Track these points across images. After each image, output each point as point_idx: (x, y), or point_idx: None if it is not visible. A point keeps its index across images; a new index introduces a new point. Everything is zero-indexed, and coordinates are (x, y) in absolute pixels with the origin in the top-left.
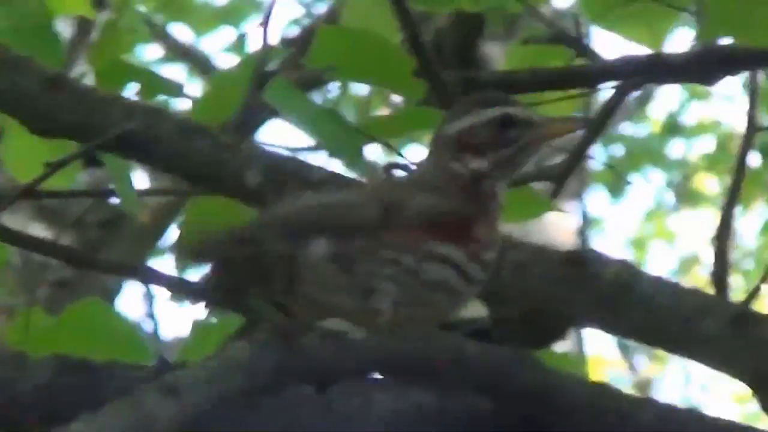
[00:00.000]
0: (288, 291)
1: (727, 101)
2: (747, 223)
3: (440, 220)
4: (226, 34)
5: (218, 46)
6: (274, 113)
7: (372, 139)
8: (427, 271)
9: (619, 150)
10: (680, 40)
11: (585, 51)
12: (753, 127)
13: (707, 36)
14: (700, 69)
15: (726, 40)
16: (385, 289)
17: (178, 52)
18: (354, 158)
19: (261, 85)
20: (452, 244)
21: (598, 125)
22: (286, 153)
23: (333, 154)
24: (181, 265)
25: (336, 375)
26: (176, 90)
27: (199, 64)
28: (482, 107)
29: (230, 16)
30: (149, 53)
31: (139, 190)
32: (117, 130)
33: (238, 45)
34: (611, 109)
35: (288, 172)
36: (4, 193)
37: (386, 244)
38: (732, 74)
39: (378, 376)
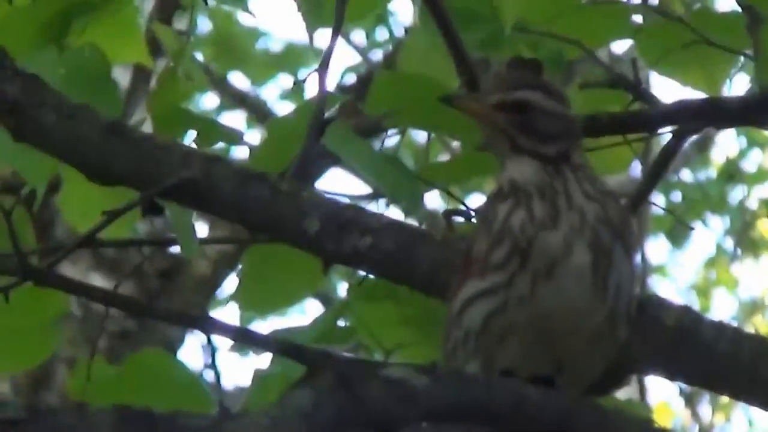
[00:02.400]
0: None
1: None
2: None
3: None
4: (283, 81)
5: (275, 94)
6: (333, 162)
7: (432, 185)
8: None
9: (678, 197)
10: (738, 84)
11: (642, 96)
12: None
13: (764, 79)
14: (757, 113)
15: None
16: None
17: (235, 100)
18: (413, 205)
19: (319, 132)
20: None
21: (657, 170)
22: (344, 201)
23: (393, 200)
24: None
25: (398, 423)
26: (235, 137)
27: (256, 112)
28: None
29: (287, 63)
30: (207, 102)
31: (200, 239)
32: (175, 179)
33: (296, 92)
34: (669, 153)
35: (347, 220)
36: (64, 243)
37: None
38: None
39: (440, 423)
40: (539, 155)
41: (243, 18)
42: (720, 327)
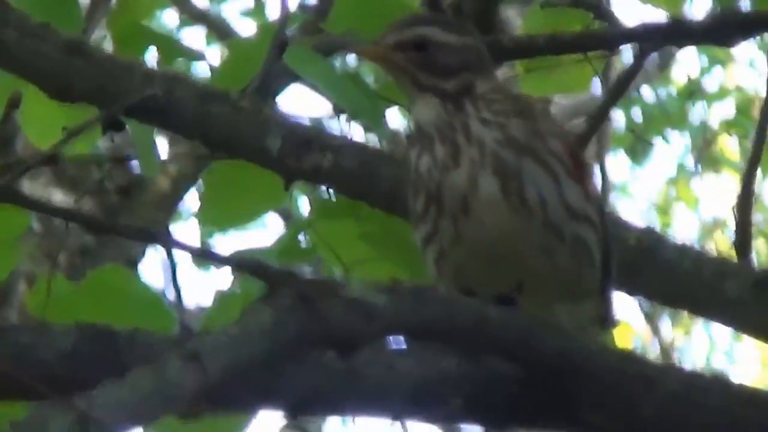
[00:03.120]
0: None
1: (748, 67)
2: None
3: None
4: None
5: (236, 11)
6: (294, 79)
7: (392, 102)
8: None
9: (639, 115)
10: (699, 4)
11: (603, 14)
12: None
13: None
14: (719, 32)
15: (744, 3)
16: None
17: (195, 17)
18: (375, 122)
19: (280, 51)
20: None
21: (619, 88)
22: (306, 119)
23: (354, 118)
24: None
25: (359, 340)
26: (195, 55)
27: (216, 29)
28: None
29: None
30: (167, 19)
31: (158, 154)
32: (137, 96)
33: (257, 10)
34: (631, 72)
35: (309, 138)
36: (24, 159)
37: None
38: (750, 37)
39: (401, 340)
40: (441, 91)
41: None
42: (682, 248)
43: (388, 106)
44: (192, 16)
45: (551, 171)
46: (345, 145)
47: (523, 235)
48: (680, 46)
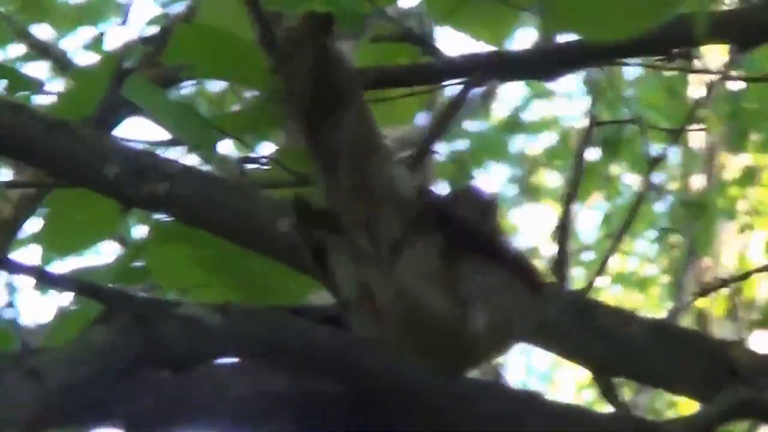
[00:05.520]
0: None
1: (568, 99)
2: (587, 217)
3: None
4: (85, 33)
5: (78, 45)
6: (134, 111)
7: (225, 134)
8: None
9: (462, 147)
10: (524, 39)
11: (430, 49)
12: (593, 122)
13: (550, 30)
14: (541, 66)
15: (567, 38)
16: None
17: (39, 50)
18: (208, 151)
19: (120, 82)
20: None
21: (443, 121)
22: (143, 147)
23: (189, 148)
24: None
25: (193, 360)
26: (37, 87)
27: (59, 62)
28: None
29: (89, 15)
30: (11, 52)
31: (4, 182)
32: None
33: (97, 44)
34: (455, 104)
35: (145, 165)
36: None
37: None
38: (571, 71)
39: (235, 360)
40: None
41: None
42: None
43: (221, 138)
44: (36, 49)
45: None
46: (181, 172)
47: None
48: (503, 79)
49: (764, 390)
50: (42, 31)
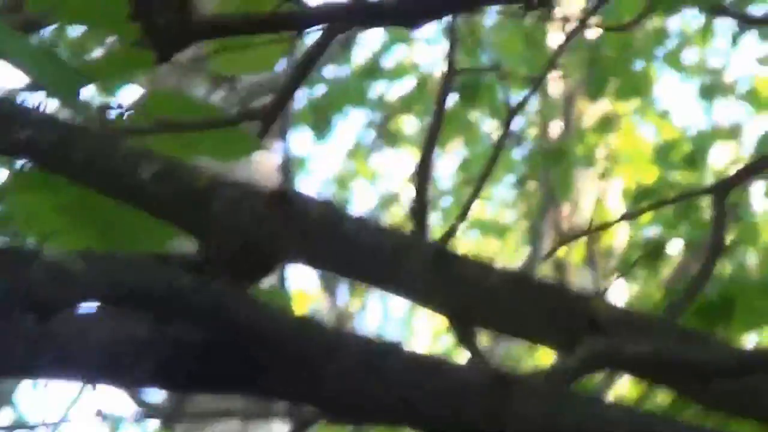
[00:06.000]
0: None
1: (427, 45)
2: (445, 163)
3: None
4: None
5: None
6: None
7: (88, 79)
8: None
9: (322, 92)
10: None
11: None
12: (452, 69)
13: None
14: (404, 13)
15: None
16: None
17: None
18: (71, 98)
19: None
20: None
21: (304, 68)
22: (1, 93)
23: (51, 94)
24: None
25: (58, 304)
26: None
27: None
28: None
29: None
30: None
31: None
32: None
33: None
34: (316, 51)
35: (5, 113)
36: None
37: None
38: (433, 19)
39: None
40: None
41: None
42: (362, 222)
43: (84, 83)
44: None
45: None
46: (41, 119)
47: None
48: (365, 26)
49: (622, 342)
50: None
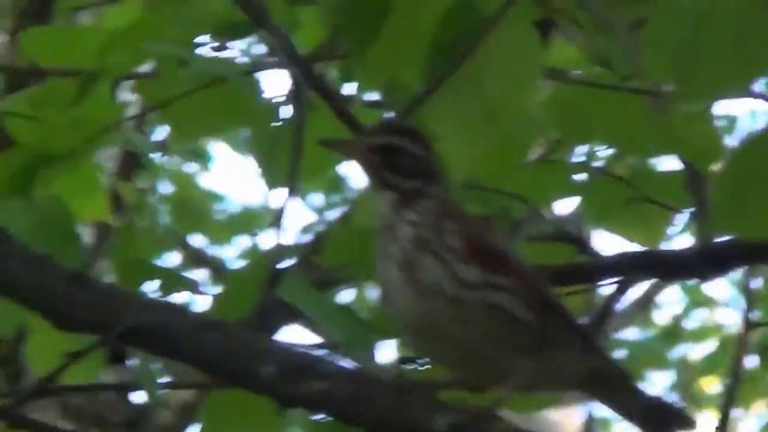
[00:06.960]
0: None
1: (727, 307)
2: (748, 426)
3: None
4: (240, 242)
5: (234, 254)
6: (289, 316)
7: (386, 334)
8: None
9: (622, 355)
10: (678, 240)
11: (585, 249)
12: (747, 325)
13: (705, 234)
14: (696, 266)
15: (722, 238)
16: None
17: (196, 259)
18: (367, 354)
19: (273, 284)
20: None
21: (600, 319)
22: (298, 348)
23: (347, 349)
24: None
25: None
26: (194, 286)
27: (216, 270)
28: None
29: (244, 224)
30: (169, 260)
31: (161, 383)
32: (130, 323)
33: (252, 251)
34: (611, 303)
35: (302, 366)
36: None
37: None
38: (726, 272)
39: None
40: (401, 189)
41: (202, 181)
42: None
43: (383, 339)
44: (193, 258)
45: (441, 258)
46: (337, 371)
47: (419, 309)
48: (656, 278)
49: None
50: (198, 241)
